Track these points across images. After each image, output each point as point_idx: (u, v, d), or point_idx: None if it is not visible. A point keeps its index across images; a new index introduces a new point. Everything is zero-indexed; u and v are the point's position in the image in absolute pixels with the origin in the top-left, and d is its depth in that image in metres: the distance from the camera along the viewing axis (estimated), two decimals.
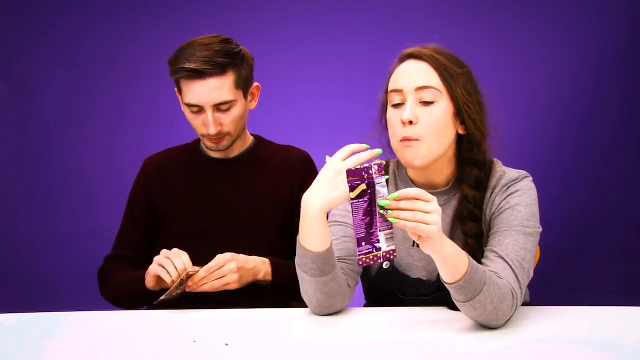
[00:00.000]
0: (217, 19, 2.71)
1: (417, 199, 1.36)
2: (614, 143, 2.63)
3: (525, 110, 2.62)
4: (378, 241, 1.40)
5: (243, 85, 1.87)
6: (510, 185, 1.62)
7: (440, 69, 1.59)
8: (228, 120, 1.86)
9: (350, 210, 1.40)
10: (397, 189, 1.61)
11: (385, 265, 1.69)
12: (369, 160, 1.43)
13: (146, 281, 1.78)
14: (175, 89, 1.90)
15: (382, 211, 1.38)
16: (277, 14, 2.78)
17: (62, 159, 2.88)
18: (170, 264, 1.70)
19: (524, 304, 1.59)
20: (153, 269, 1.74)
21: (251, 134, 2.03)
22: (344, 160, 1.47)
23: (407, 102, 1.59)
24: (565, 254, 2.64)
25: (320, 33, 2.76)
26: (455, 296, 1.45)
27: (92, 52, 2.84)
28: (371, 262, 1.41)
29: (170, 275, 1.69)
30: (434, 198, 1.38)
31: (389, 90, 1.63)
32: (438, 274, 1.48)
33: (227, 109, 1.85)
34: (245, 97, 1.90)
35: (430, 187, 1.66)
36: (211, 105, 1.83)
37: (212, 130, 1.84)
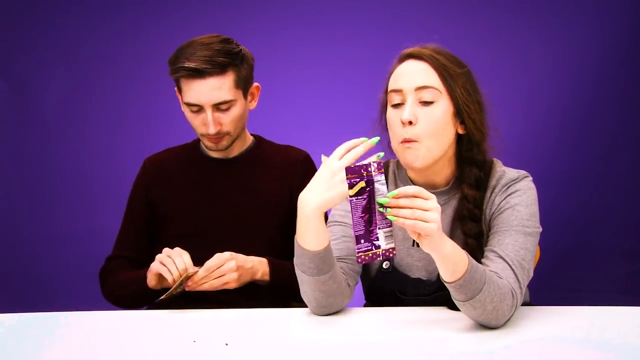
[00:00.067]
0: (217, 19, 2.72)
1: (416, 197, 1.36)
2: (614, 143, 2.63)
3: (525, 110, 2.62)
4: (377, 239, 1.40)
5: (243, 85, 1.87)
6: (510, 185, 1.62)
7: (440, 69, 1.59)
8: (228, 120, 1.86)
9: (350, 208, 1.40)
10: (397, 188, 1.61)
11: (385, 265, 1.69)
12: (368, 155, 1.44)
13: (148, 279, 1.78)
14: (175, 88, 1.91)
15: (381, 209, 1.38)
16: (277, 14, 2.78)
17: (62, 159, 2.88)
18: (172, 263, 1.70)
19: (524, 304, 1.59)
20: (155, 266, 1.74)
21: (251, 134, 2.03)
22: (341, 158, 1.47)
23: (407, 102, 1.59)
24: (565, 254, 2.64)
25: (320, 33, 2.76)
26: (455, 296, 1.45)
27: (92, 52, 2.84)
28: (370, 260, 1.41)
29: (172, 275, 1.69)
30: (433, 196, 1.38)
31: (388, 90, 1.63)
32: (438, 274, 1.48)
33: (227, 109, 1.85)
34: (245, 97, 1.90)
35: (430, 187, 1.66)
36: (211, 104, 1.83)
37: (212, 129, 1.84)
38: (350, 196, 1.38)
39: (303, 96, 2.80)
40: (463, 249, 1.46)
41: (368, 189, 1.39)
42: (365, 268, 1.72)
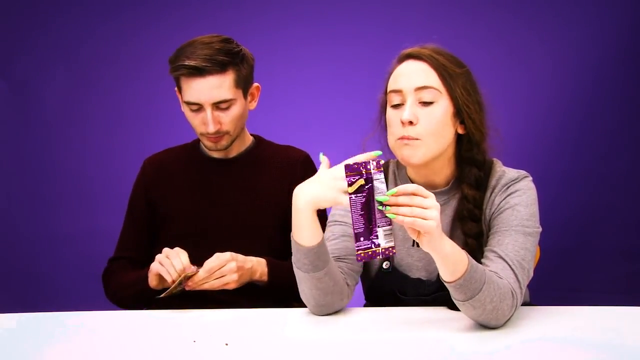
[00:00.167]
0: (217, 19, 2.72)
1: (415, 195, 1.37)
2: (614, 143, 2.63)
3: (525, 110, 2.62)
4: (377, 237, 1.40)
5: (243, 84, 1.87)
6: (510, 185, 1.62)
7: (439, 69, 1.59)
8: (227, 119, 1.86)
9: (349, 206, 1.40)
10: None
11: (385, 265, 1.70)
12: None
13: (149, 280, 1.78)
14: (176, 88, 1.91)
15: (380, 207, 1.39)
16: (277, 14, 2.78)
17: (62, 159, 2.88)
18: (170, 265, 1.71)
19: (524, 304, 1.59)
20: (155, 267, 1.74)
21: (251, 134, 2.03)
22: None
23: (406, 102, 1.59)
24: (565, 254, 2.64)
25: (320, 33, 2.76)
26: (455, 295, 1.45)
27: (92, 52, 2.85)
28: (370, 258, 1.41)
29: (171, 275, 1.70)
30: (431, 194, 1.38)
31: (388, 90, 1.63)
32: (438, 274, 1.48)
33: (227, 108, 1.85)
34: (245, 96, 1.90)
35: (430, 187, 1.65)
36: (210, 103, 1.83)
37: (211, 128, 1.84)
38: (350, 194, 1.39)
39: (303, 96, 2.80)
40: (463, 249, 1.46)
41: (367, 186, 1.39)
42: (365, 268, 1.72)
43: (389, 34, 2.59)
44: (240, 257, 1.77)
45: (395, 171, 1.75)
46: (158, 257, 1.74)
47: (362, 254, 1.40)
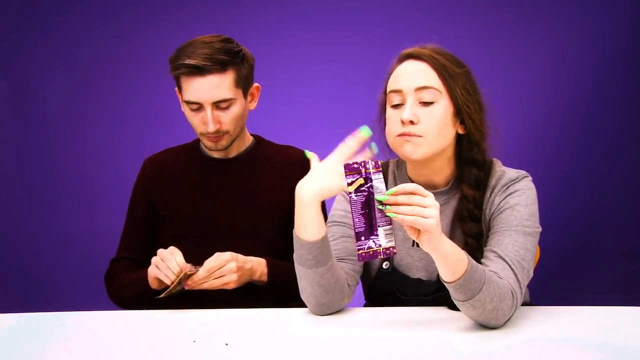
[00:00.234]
0: (217, 19, 2.72)
1: (414, 194, 1.37)
2: (614, 143, 2.63)
3: (525, 110, 2.62)
4: (377, 237, 1.40)
5: (243, 84, 1.87)
6: (509, 185, 1.62)
7: (439, 69, 1.59)
8: (227, 118, 1.86)
9: (349, 208, 1.41)
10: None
11: (385, 265, 1.70)
12: (366, 156, 1.45)
13: (149, 282, 1.78)
14: (176, 88, 1.91)
15: (380, 206, 1.39)
16: (277, 14, 2.78)
17: (62, 159, 2.88)
18: (166, 268, 1.71)
19: (524, 304, 1.59)
20: (152, 271, 1.75)
21: (251, 134, 2.04)
22: (339, 153, 1.52)
23: (407, 102, 1.59)
24: (565, 254, 2.64)
25: (320, 33, 2.76)
26: (454, 295, 1.45)
27: (92, 52, 2.84)
28: (371, 258, 1.41)
29: (169, 278, 1.70)
30: (430, 194, 1.38)
31: (388, 90, 1.63)
32: (438, 274, 1.48)
33: (227, 107, 1.85)
34: (245, 96, 1.90)
35: (430, 187, 1.65)
36: (210, 102, 1.83)
37: (211, 128, 1.84)
38: (349, 193, 1.39)
39: (303, 96, 2.80)
40: (463, 249, 1.46)
41: (367, 185, 1.40)
42: (365, 268, 1.72)
43: (389, 34, 2.59)
44: (240, 257, 1.77)
45: (395, 171, 1.75)
46: (153, 260, 1.74)
47: (363, 254, 1.40)
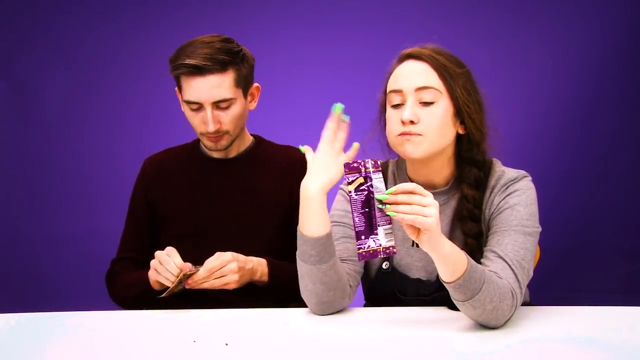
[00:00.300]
0: (217, 19, 2.72)
1: (413, 193, 1.37)
2: (614, 143, 2.63)
3: (525, 110, 2.62)
4: (378, 236, 1.40)
5: (243, 84, 1.87)
6: (509, 185, 1.62)
7: (440, 69, 1.59)
8: (227, 118, 1.86)
9: (349, 208, 1.42)
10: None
11: (384, 265, 1.70)
12: (365, 157, 1.46)
13: (151, 283, 1.79)
14: (176, 88, 1.91)
15: (380, 206, 1.39)
16: (277, 14, 2.78)
17: (62, 159, 2.88)
18: (165, 271, 1.71)
19: (524, 304, 1.59)
20: (152, 275, 1.75)
21: (251, 134, 2.04)
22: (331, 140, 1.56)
23: (407, 102, 1.59)
24: (565, 254, 2.63)
25: (320, 33, 2.76)
26: (454, 296, 1.45)
27: (92, 52, 2.84)
28: (371, 257, 1.41)
29: (169, 280, 1.70)
30: (429, 193, 1.39)
31: (388, 90, 1.63)
32: (438, 274, 1.48)
33: (227, 107, 1.85)
34: (245, 96, 1.90)
35: (429, 187, 1.66)
36: (210, 102, 1.83)
37: (211, 127, 1.84)
38: (349, 192, 1.40)
39: (303, 96, 2.80)
40: (463, 249, 1.46)
41: (367, 185, 1.40)
42: (365, 268, 1.72)
43: (389, 34, 2.59)
44: (241, 257, 1.77)
45: (395, 171, 1.75)
46: (152, 264, 1.74)
47: (364, 253, 1.40)
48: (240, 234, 1.90)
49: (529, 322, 1.52)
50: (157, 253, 1.74)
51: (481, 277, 1.43)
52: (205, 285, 1.73)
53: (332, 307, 1.62)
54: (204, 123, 1.85)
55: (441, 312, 1.60)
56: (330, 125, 1.58)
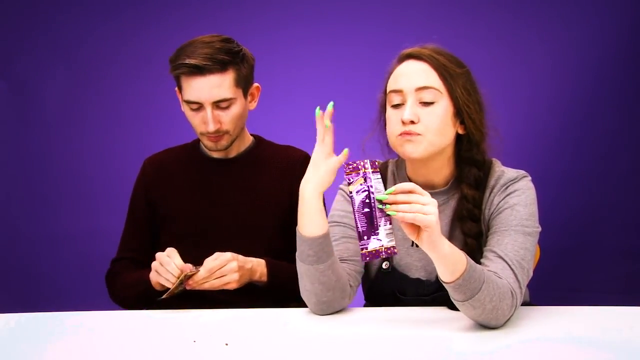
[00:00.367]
0: (217, 19, 2.72)
1: (412, 192, 1.38)
2: (614, 143, 2.63)
3: (525, 110, 2.62)
4: (379, 236, 1.41)
5: (243, 84, 1.87)
6: (509, 185, 1.62)
7: (440, 69, 1.59)
8: (227, 118, 1.86)
9: (351, 207, 1.42)
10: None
11: (384, 265, 1.70)
12: (365, 157, 1.46)
13: (152, 284, 1.79)
14: (176, 88, 1.91)
15: (380, 206, 1.39)
16: (277, 14, 2.78)
17: (62, 159, 2.88)
18: (165, 272, 1.71)
19: (524, 303, 1.59)
20: (153, 277, 1.75)
21: (251, 134, 2.04)
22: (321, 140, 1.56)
23: (407, 102, 1.59)
24: (565, 254, 2.64)
25: (320, 33, 2.76)
26: (454, 296, 1.45)
27: (92, 52, 2.84)
28: (373, 257, 1.42)
29: (170, 281, 1.70)
30: (427, 193, 1.39)
31: (388, 90, 1.63)
32: (437, 274, 1.48)
33: (227, 107, 1.85)
34: (245, 96, 1.90)
35: (429, 187, 1.66)
36: (211, 102, 1.83)
37: (211, 127, 1.84)
38: (350, 192, 1.40)
39: (303, 96, 2.79)
40: (462, 249, 1.46)
41: (367, 185, 1.40)
42: (365, 268, 1.72)
43: (389, 34, 2.59)
44: (240, 257, 1.77)
45: (395, 171, 1.75)
46: (153, 265, 1.74)
47: (366, 253, 1.41)
48: (240, 234, 1.90)
49: (529, 322, 1.52)
50: (158, 254, 1.74)
51: (480, 277, 1.43)
52: (206, 286, 1.73)
53: (331, 307, 1.62)
54: (204, 123, 1.85)
55: (441, 312, 1.60)
56: (318, 127, 1.58)
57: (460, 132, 1.63)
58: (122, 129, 2.86)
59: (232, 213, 1.92)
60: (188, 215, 1.93)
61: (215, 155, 1.97)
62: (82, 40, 2.84)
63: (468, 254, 1.45)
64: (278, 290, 1.84)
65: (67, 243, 2.86)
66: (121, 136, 2.85)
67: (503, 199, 1.61)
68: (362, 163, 1.42)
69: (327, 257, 1.56)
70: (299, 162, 1.97)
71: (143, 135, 2.77)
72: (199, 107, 1.85)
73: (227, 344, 1.46)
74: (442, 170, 1.66)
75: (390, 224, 1.41)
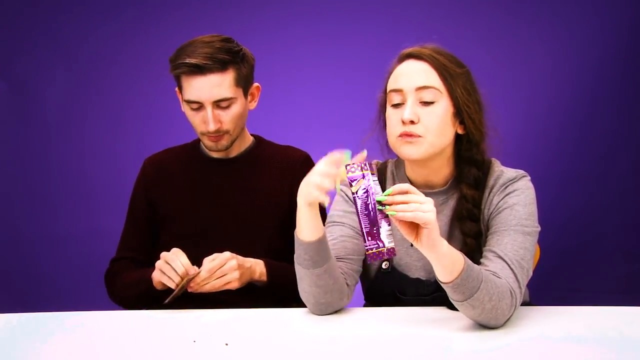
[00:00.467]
0: (217, 19, 2.72)
1: (408, 193, 1.39)
2: (613, 143, 2.63)
3: (525, 110, 2.62)
4: (381, 237, 1.41)
5: (243, 83, 1.87)
6: (508, 185, 1.62)
7: (440, 69, 1.59)
8: (227, 118, 1.86)
9: (353, 208, 1.42)
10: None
11: (384, 265, 1.70)
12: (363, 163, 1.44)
13: (154, 284, 1.79)
14: (176, 88, 1.91)
15: (380, 207, 1.40)
16: (277, 14, 2.78)
17: (62, 159, 2.88)
18: (170, 270, 1.71)
19: (524, 303, 1.59)
20: (156, 276, 1.75)
21: (251, 134, 2.04)
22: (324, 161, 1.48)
23: (407, 102, 1.59)
24: (565, 254, 2.64)
25: (320, 33, 2.76)
26: (453, 296, 1.45)
27: (92, 52, 2.85)
28: (377, 258, 1.42)
29: (174, 281, 1.70)
30: (421, 193, 1.40)
31: (388, 90, 1.63)
32: None
33: (227, 107, 1.85)
34: (245, 96, 1.90)
35: (428, 187, 1.66)
36: (211, 101, 1.83)
37: (212, 127, 1.84)
38: (353, 194, 1.41)
39: (303, 96, 2.80)
40: (462, 248, 1.46)
41: (367, 186, 1.41)
42: (365, 268, 1.72)
43: (389, 34, 2.59)
44: (239, 256, 1.77)
45: (394, 171, 1.75)
46: (157, 264, 1.74)
47: (371, 254, 1.41)
48: (240, 234, 1.90)
49: (529, 322, 1.53)
50: (163, 254, 1.74)
51: (478, 276, 1.43)
52: (208, 287, 1.73)
53: (330, 308, 1.62)
54: (204, 122, 1.85)
55: (441, 311, 1.60)
56: (330, 158, 1.48)
57: (460, 132, 1.64)
58: (122, 129, 2.86)
59: (232, 213, 1.92)
60: (188, 215, 1.94)
61: (216, 155, 1.97)
62: (82, 40, 2.84)
63: (467, 254, 1.45)
64: (278, 290, 1.84)
65: (67, 243, 2.86)
66: (121, 136, 2.85)
67: (502, 199, 1.61)
68: (361, 165, 1.42)
69: (323, 261, 1.56)
70: (299, 162, 1.97)
71: (143, 135, 2.77)
72: (199, 106, 1.85)
73: (227, 344, 1.46)
74: (441, 170, 1.66)
75: (389, 225, 1.42)
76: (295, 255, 1.58)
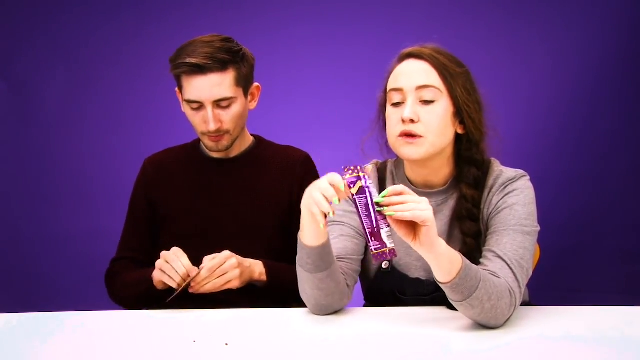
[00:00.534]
0: (217, 19, 2.72)
1: (403, 194, 1.40)
2: (614, 143, 2.63)
3: (525, 110, 2.62)
4: (382, 237, 1.41)
5: (244, 83, 1.88)
6: (507, 185, 1.62)
7: (440, 69, 1.60)
8: (228, 117, 1.86)
9: (353, 207, 1.42)
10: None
11: (384, 265, 1.70)
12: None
13: (155, 283, 1.79)
14: (176, 88, 1.91)
15: (378, 208, 1.40)
16: (277, 14, 2.78)
17: (62, 159, 2.88)
18: (171, 269, 1.71)
19: (524, 303, 1.59)
20: (157, 275, 1.75)
21: (251, 134, 2.04)
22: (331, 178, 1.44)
23: (407, 101, 1.59)
24: (565, 254, 2.64)
25: (320, 33, 2.77)
26: (452, 297, 1.45)
27: (92, 52, 2.85)
28: (382, 258, 1.42)
29: (175, 280, 1.70)
30: (414, 194, 1.41)
31: (388, 89, 1.63)
32: None
33: (227, 106, 1.85)
34: (245, 95, 1.90)
35: (428, 187, 1.67)
36: (211, 101, 1.83)
37: (212, 126, 1.84)
38: (353, 195, 1.41)
39: (303, 96, 2.80)
40: (461, 248, 1.46)
41: (366, 187, 1.41)
42: (364, 268, 1.72)
43: (389, 34, 2.60)
44: (237, 256, 1.77)
45: (394, 171, 1.75)
46: (158, 263, 1.74)
47: (376, 254, 1.41)
48: (240, 234, 1.90)
49: (528, 321, 1.53)
50: (164, 253, 1.74)
51: (477, 276, 1.43)
52: (209, 287, 1.73)
53: (330, 308, 1.62)
54: (204, 122, 1.85)
55: (440, 311, 1.60)
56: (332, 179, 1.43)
57: (460, 131, 1.64)
58: (122, 128, 2.86)
59: (232, 213, 1.92)
60: (188, 215, 1.94)
61: (216, 155, 1.97)
62: (82, 40, 2.84)
63: (467, 254, 1.45)
64: (278, 290, 1.84)
65: (67, 243, 2.86)
66: (121, 136, 2.85)
67: (502, 199, 1.61)
68: (359, 168, 1.43)
69: (325, 266, 1.55)
70: (299, 162, 1.97)
71: (143, 135, 2.77)
72: (199, 106, 1.85)
73: (227, 344, 1.46)
74: (441, 170, 1.67)
75: (388, 226, 1.42)
76: (297, 257, 1.58)
